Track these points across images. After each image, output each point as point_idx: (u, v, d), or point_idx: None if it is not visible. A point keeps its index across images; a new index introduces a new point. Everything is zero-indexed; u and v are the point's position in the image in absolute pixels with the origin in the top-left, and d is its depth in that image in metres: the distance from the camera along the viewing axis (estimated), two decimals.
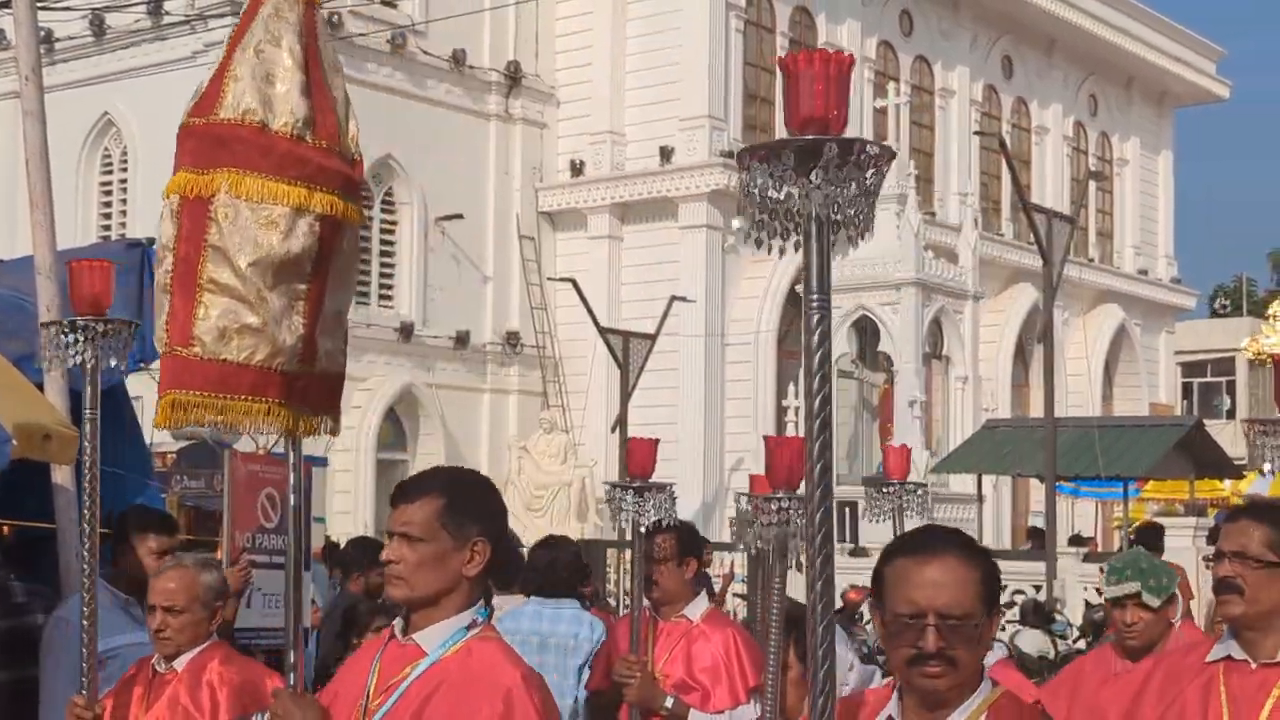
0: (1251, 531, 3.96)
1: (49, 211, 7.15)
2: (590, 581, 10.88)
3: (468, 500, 3.74)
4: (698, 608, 6.37)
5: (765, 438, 5.19)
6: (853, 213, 2.54)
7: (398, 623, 3.67)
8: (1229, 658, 3.99)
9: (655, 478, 5.99)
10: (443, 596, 3.59)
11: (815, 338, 2.62)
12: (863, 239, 2.63)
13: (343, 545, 13.80)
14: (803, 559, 2.90)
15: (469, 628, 3.60)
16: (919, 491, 6.87)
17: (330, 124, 4.27)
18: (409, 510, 3.66)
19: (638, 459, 5.65)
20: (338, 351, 4.32)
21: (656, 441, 5.95)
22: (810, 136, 2.54)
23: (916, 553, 3.01)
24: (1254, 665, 3.92)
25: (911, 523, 6.22)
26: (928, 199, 33.64)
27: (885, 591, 3.01)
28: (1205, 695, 3.96)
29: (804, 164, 2.50)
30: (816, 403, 2.61)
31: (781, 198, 2.53)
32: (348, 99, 4.49)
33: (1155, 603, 5.63)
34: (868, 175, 2.52)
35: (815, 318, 2.63)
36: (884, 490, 7.42)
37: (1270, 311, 9.85)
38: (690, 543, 6.40)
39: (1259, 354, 9.90)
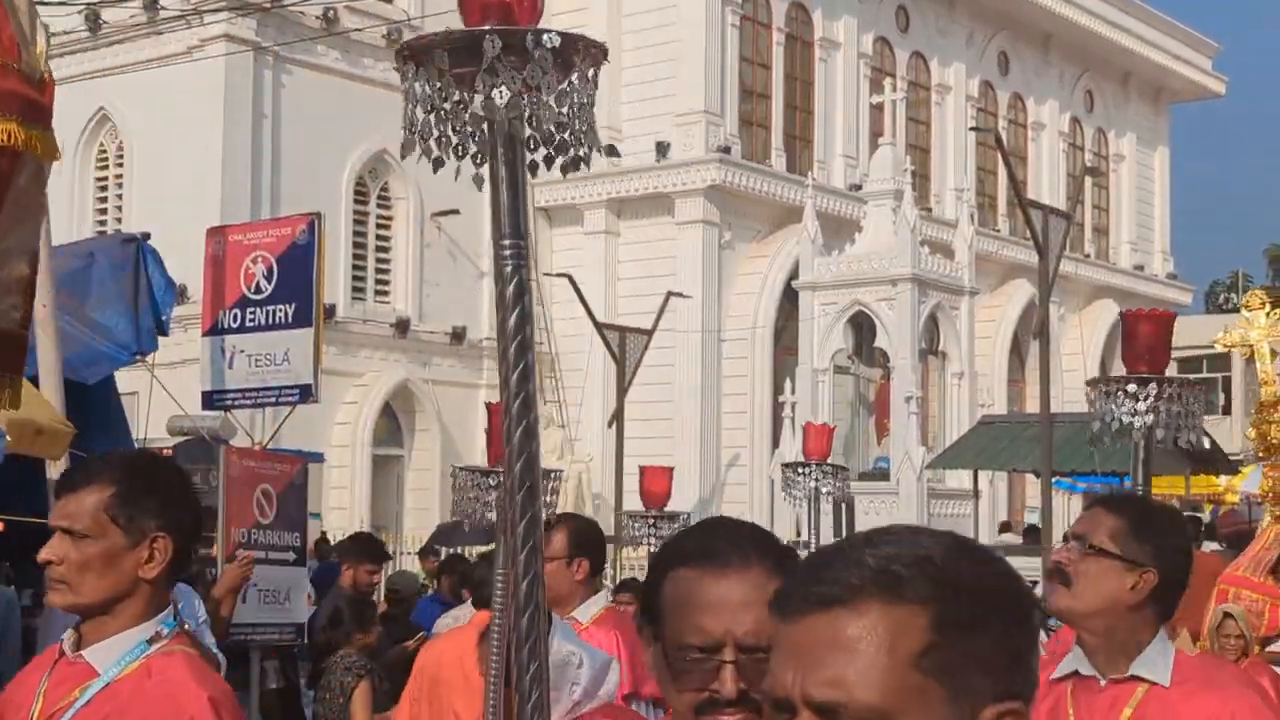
0: (1102, 519, 3.45)
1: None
2: None
3: (144, 489, 3.06)
4: (589, 609, 6.16)
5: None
6: (554, 127, 2.06)
7: (69, 635, 3.08)
8: (1077, 674, 3.48)
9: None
10: (115, 603, 3.01)
11: (510, 290, 2.09)
12: (580, 165, 2.14)
13: (334, 541, 13.78)
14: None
15: (151, 641, 3.03)
16: (839, 475, 6.62)
17: (6, 35, 3.47)
18: (72, 501, 3.04)
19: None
20: (11, 308, 3.68)
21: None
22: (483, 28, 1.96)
23: (707, 561, 2.09)
24: (1103, 682, 3.42)
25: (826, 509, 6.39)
26: (924, 195, 33.63)
27: (664, 613, 2.12)
28: (1053, 718, 3.47)
29: (467, 62, 1.98)
30: (514, 378, 2.15)
31: (447, 105, 2.04)
32: (34, 8, 3.94)
33: None
34: (571, 79, 2.07)
35: (508, 269, 2.08)
36: (800, 471, 6.88)
37: (1244, 301, 9.88)
38: (583, 543, 6.10)
39: (1229, 347, 9.88)
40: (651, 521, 5.69)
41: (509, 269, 2.08)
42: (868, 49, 33.64)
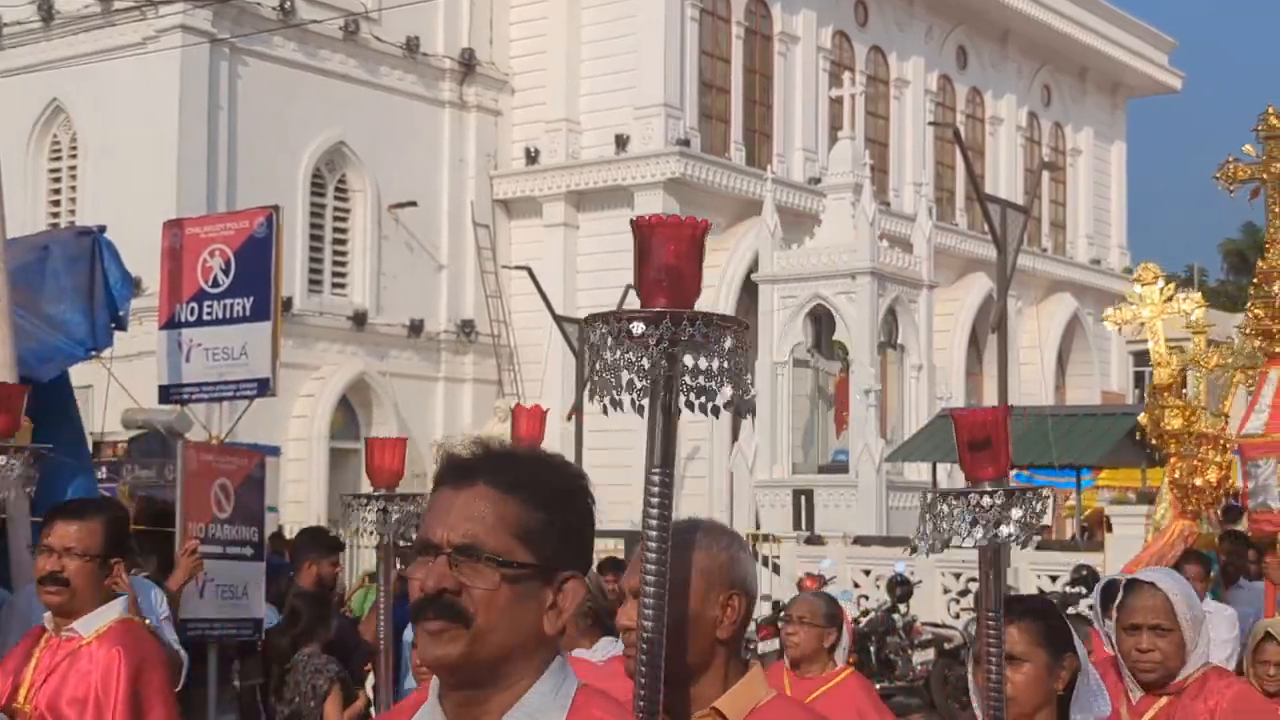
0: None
1: None
2: None
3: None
4: None
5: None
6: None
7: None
8: None
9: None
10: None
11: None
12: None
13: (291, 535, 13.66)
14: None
15: None
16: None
17: None
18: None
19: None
20: None
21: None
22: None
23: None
24: None
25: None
26: (882, 189, 33.71)
27: None
28: None
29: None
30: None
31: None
32: None
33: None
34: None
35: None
36: None
37: (1135, 275, 9.72)
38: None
39: (1121, 324, 9.72)
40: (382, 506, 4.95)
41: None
42: (826, 43, 33.68)
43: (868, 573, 21.62)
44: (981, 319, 34.73)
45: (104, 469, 15.41)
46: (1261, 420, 9.22)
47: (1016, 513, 3.12)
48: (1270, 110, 9.89)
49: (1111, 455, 23.13)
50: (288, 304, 25.75)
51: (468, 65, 30.85)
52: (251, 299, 9.87)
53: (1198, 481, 10.16)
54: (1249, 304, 9.83)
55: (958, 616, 19.62)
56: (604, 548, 24.67)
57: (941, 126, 34.14)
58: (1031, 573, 19.42)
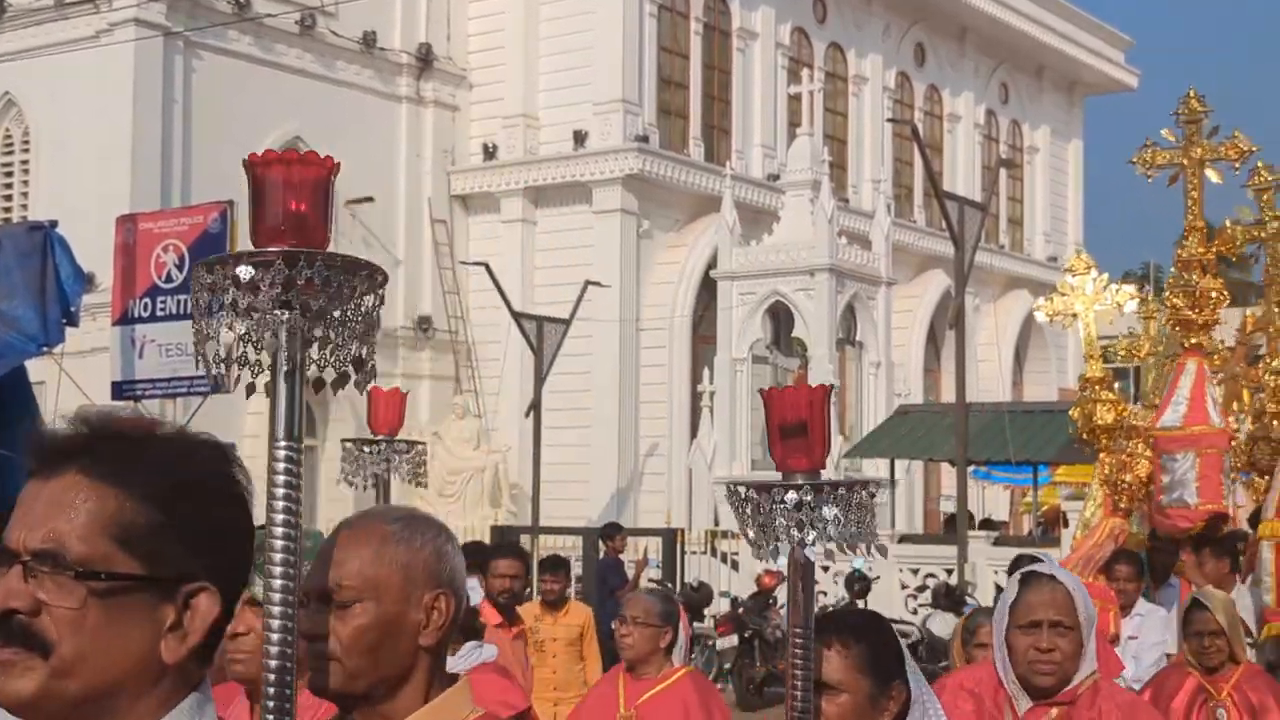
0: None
1: None
2: None
3: None
4: None
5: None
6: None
7: None
8: None
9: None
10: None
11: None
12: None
13: None
14: None
15: None
16: (412, 451, 5.33)
17: None
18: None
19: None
20: None
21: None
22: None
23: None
24: None
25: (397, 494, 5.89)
26: (841, 185, 33.74)
27: None
28: None
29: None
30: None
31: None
32: None
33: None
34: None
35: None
36: (366, 450, 5.27)
37: (1067, 264, 9.54)
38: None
39: (1053, 316, 9.51)
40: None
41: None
42: (785, 39, 33.68)
43: (825, 569, 21.62)
44: (940, 316, 34.82)
45: None
46: (1178, 413, 8.79)
47: (830, 512, 2.53)
48: (1191, 94, 9.62)
49: (1068, 451, 23.18)
50: None
51: (425, 60, 30.71)
52: None
53: (1127, 478, 9.65)
54: (1167, 293, 9.49)
55: (915, 612, 19.65)
56: (559, 545, 24.62)
57: (900, 124, 34.19)
58: (989, 568, 19.48)
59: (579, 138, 30.09)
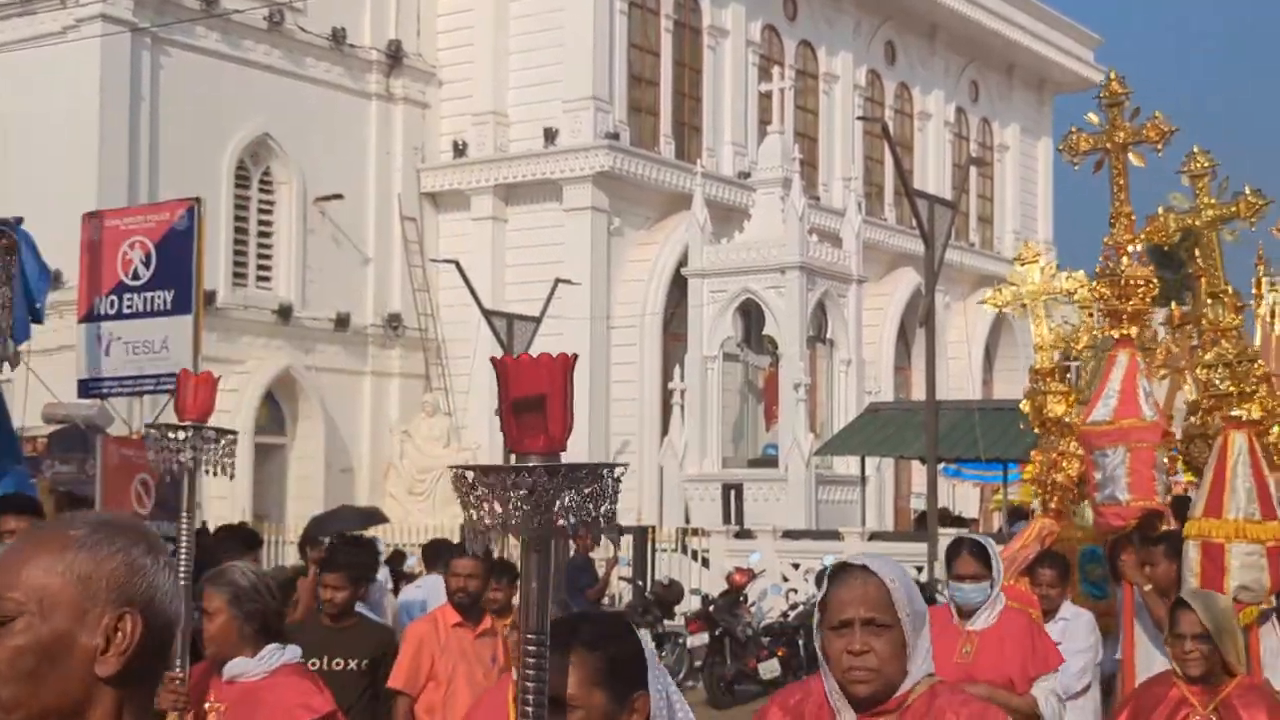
0: None
1: None
2: None
3: None
4: None
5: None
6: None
7: None
8: None
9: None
10: None
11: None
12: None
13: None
14: None
15: None
16: (223, 441, 4.84)
17: None
18: None
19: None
20: None
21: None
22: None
23: None
24: None
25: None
26: (812, 183, 33.75)
27: None
28: None
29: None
30: None
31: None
32: None
33: None
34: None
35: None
36: (171, 438, 4.87)
37: (1017, 254, 9.35)
38: None
39: (1002, 307, 9.20)
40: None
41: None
42: (755, 37, 33.68)
43: (796, 566, 21.63)
44: (910, 313, 34.87)
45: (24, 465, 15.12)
46: (1109, 407, 8.28)
47: (570, 498, 2.24)
48: (1112, 75, 9.39)
49: (1027, 445, 23.25)
50: (211, 297, 25.41)
51: (394, 57, 30.60)
52: (173, 292, 9.72)
53: (1057, 477, 9.22)
54: (1094, 282, 9.01)
55: None
56: None
57: (870, 122, 34.23)
58: None
59: (549, 135, 30.03)
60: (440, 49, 31.47)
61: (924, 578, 19.45)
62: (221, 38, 27.68)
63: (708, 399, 27.86)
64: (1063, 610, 8.30)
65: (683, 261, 29.02)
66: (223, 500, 25.97)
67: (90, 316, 10.01)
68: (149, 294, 9.78)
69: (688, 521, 25.92)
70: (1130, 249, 8.84)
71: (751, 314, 28.67)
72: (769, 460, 27.74)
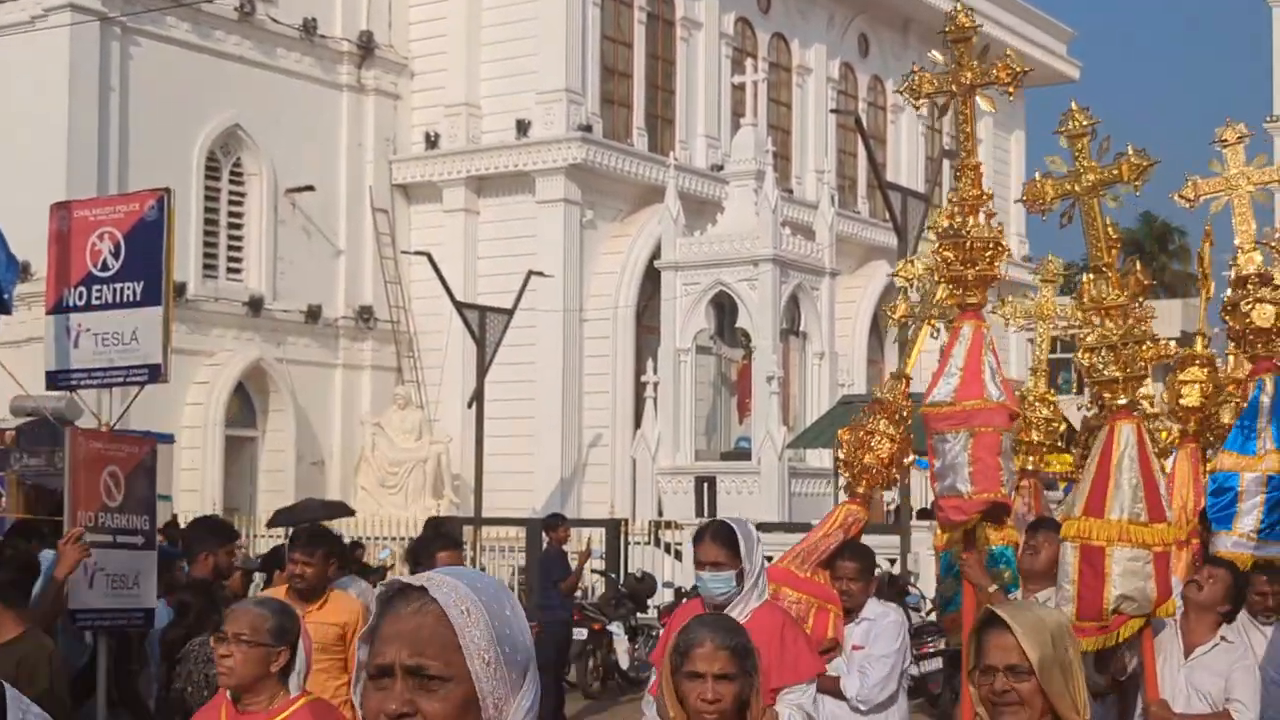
0: None
1: None
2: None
3: None
4: None
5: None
6: None
7: None
8: None
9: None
10: None
11: None
12: None
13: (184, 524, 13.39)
14: None
15: None
16: None
17: None
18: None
19: None
20: None
21: None
22: None
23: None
24: None
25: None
26: (785, 176, 33.74)
27: None
28: None
29: None
30: None
31: None
32: None
33: None
34: None
35: None
36: None
37: (930, 222, 8.65)
38: None
39: (909, 278, 8.28)
40: None
41: None
42: (729, 29, 33.64)
43: (770, 559, 21.58)
44: (883, 306, 34.90)
45: None
46: (950, 386, 7.13)
47: None
48: (959, 6, 8.16)
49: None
50: (182, 289, 25.29)
51: (366, 48, 30.47)
52: (142, 283, 9.62)
53: (866, 459, 7.94)
54: (937, 245, 7.60)
55: None
56: (504, 535, 24.55)
57: (843, 114, 34.25)
58: (932, 559, 19.49)
59: (522, 127, 29.95)
60: (412, 40, 31.35)
61: (896, 570, 19.50)
62: (192, 28, 27.51)
63: (680, 392, 27.84)
64: (867, 609, 7.41)
65: (655, 254, 28.98)
66: (193, 493, 25.86)
67: (59, 308, 9.90)
68: (118, 285, 9.68)
69: (660, 514, 25.90)
70: (982, 207, 7.62)
71: (724, 307, 28.65)
72: (742, 453, 27.73)
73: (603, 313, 29.59)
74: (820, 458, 27.35)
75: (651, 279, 29.32)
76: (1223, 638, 6.73)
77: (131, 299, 9.62)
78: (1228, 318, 8.12)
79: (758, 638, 4.87)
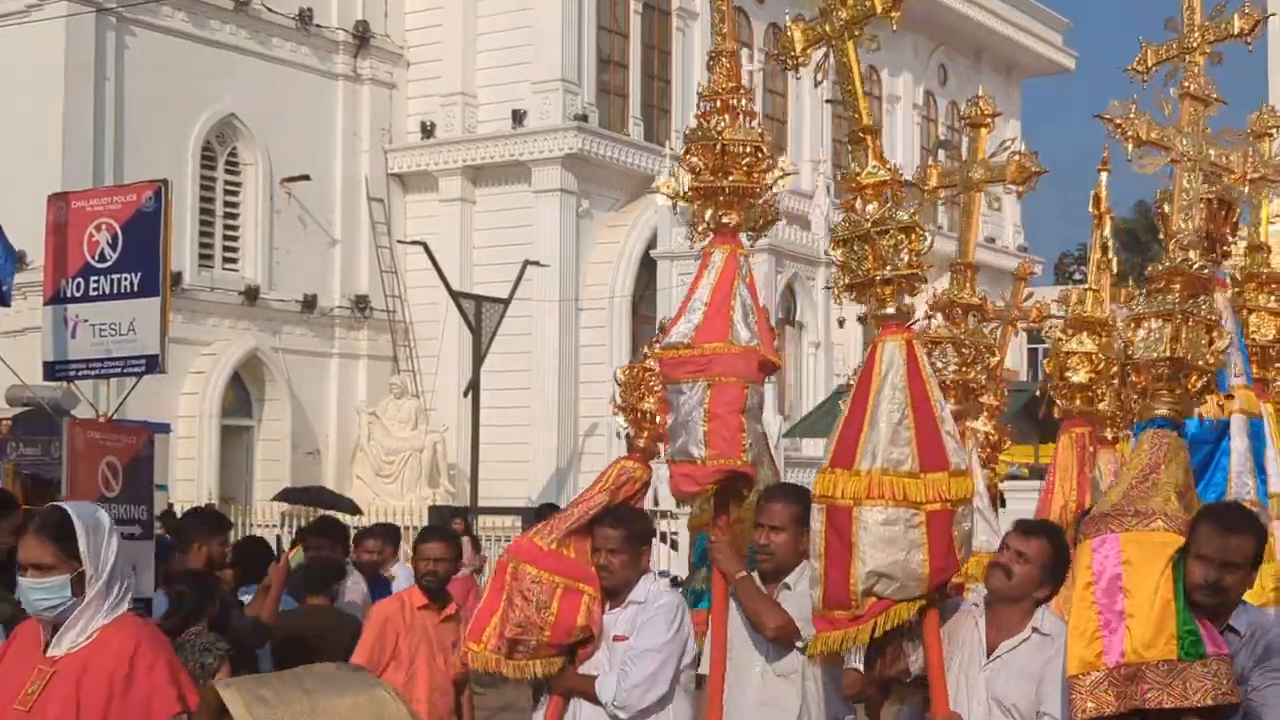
0: None
1: None
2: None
3: None
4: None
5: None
6: None
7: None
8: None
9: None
10: None
11: None
12: None
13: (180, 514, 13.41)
14: None
15: None
16: None
17: None
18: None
19: None
20: None
21: None
22: None
23: None
24: None
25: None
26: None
27: None
28: None
29: None
30: None
31: None
32: None
33: None
34: None
35: None
36: None
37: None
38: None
39: (673, 194, 7.22)
40: None
41: None
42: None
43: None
44: None
45: None
46: (690, 325, 5.75)
47: None
48: None
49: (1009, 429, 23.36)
50: (177, 279, 25.30)
51: (362, 38, 30.46)
52: (139, 274, 9.66)
53: (645, 403, 6.46)
54: (685, 152, 6.12)
55: None
56: (500, 525, 24.58)
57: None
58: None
59: (518, 117, 29.96)
60: (408, 29, 31.34)
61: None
62: (187, 18, 27.50)
63: None
64: (636, 590, 5.95)
65: (652, 243, 29.01)
66: (189, 483, 25.90)
67: (56, 299, 9.94)
68: (115, 276, 9.72)
69: (656, 504, 25.93)
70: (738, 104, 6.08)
71: None
72: None
73: (599, 302, 29.62)
74: (816, 447, 27.40)
75: (647, 268, 29.36)
76: (1035, 629, 4.98)
77: (129, 290, 9.66)
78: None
79: (96, 671, 4.08)
